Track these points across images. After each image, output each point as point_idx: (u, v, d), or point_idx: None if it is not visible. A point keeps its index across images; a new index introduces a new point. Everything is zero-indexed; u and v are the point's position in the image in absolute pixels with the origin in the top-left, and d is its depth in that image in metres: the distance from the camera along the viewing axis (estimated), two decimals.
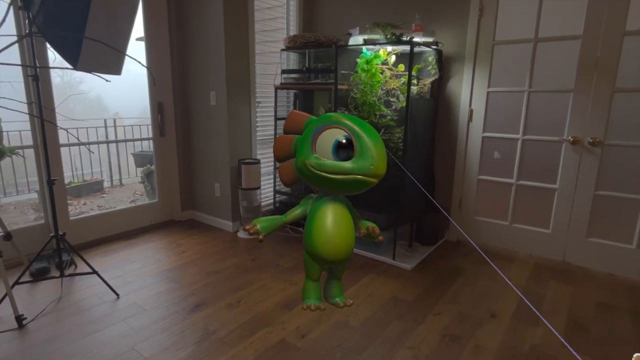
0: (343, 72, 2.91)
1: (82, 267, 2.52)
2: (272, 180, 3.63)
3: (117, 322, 1.96)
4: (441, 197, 3.18)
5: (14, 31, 2.41)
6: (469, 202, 3.09)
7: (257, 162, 3.20)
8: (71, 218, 2.90)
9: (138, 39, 3.33)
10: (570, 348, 1.70)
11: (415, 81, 2.83)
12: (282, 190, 3.58)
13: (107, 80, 1.92)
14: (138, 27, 3.16)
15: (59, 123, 2.84)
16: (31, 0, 1.73)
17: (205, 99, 3.26)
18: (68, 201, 2.95)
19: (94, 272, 2.27)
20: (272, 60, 3.47)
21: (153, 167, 3.47)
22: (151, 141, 3.38)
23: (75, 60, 1.76)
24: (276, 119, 3.44)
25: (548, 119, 2.70)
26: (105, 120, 5.32)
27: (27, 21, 1.80)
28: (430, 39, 2.79)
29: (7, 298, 1.96)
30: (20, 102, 2.08)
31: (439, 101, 3.06)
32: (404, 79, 2.74)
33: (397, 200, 2.71)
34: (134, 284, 2.36)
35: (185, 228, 3.39)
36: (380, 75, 2.78)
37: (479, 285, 2.45)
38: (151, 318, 2.01)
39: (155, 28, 3.17)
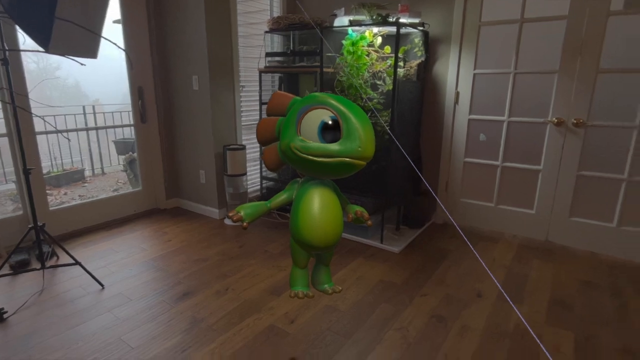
0: (328, 54, 2.86)
1: (65, 259, 2.46)
2: (258, 166, 3.59)
3: (102, 313, 1.93)
4: (428, 180, 3.19)
5: None
6: (455, 184, 3.11)
7: (243, 147, 3.15)
8: (51, 208, 2.82)
9: (115, 22, 3.19)
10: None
11: (401, 63, 2.80)
12: (269, 176, 3.54)
13: (82, 64, 1.83)
14: (115, 9, 3.04)
15: (34, 110, 2.73)
16: None
17: (187, 84, 3.17)
18: (48, 191, 2.86)
19: (77, 262, 2.22)
20: (255, 43, 3.38)
21: (135, 154, 3.39)
22: (132, 128, 3.28)
23: (47, 42, 1.66)
24: (261, 103, 3.37)
25: (533, 101, 2.71)
26: (84, 107, 5.14)
27: None
28: (416, 20, 2.75)
29: None
30: None
31: (425, 84, 3.04)
32: (390, 62, 2.71)
33: (384, 183, 2.70)
34: (118, 274, 2.32)
35: (171, 216, 3.33)
36: (367, 58, 2.73)
37: (465, 266, 2.48)
38: (137, 308, 1.98)
39: (132, 9, 3.04)
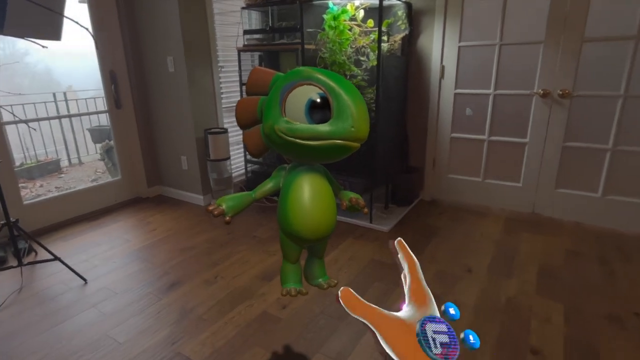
0: (309, 30, 2.74)
1: (43, 254, 2.36)
2: (242, 150, 3.49)
3: (86, 309, 1.86)
4: (415, 156, 3.16)
5: None
6: (443, 160, 3.08)
7: (225, 131, 3.04)
8: (25, 202, 2.69)
9: (81, 1, 2.98)
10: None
11: (385, 38, 2.71)
12: (254, 159, 3.45)
13: (43, 47, 1.69)
14: None
15: (2, 99, 2.56)
16: None
17: (162, 66, 3.02)
18: (22, 184, 2.72)
19: (56, 258, 2.12)
20: (233, 20, 3.22)
21: (112, 142, 3.24)
22: (107, 114, 3.12)
23: (1, 23, 1.52)
24: (241, 84, 3.24)
25: (519, 73, 2.68)
26: (54, 94, 4.88)
27: None
28: None
29: None
30: None
31: (410, 58, 2.96)
32: (373, 36, 2.61)
33: (371, 162, 2.65)
34: (102, 268, 2.24)
35: (154, 205, 3.23)
36: (349, 32, 2.63)
37: (454, 242, 2.49)
38: (124, 301, 1.92)
39: None
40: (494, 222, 2.75)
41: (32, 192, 3.94)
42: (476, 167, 2.98)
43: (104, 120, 4.72)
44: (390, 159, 2.89)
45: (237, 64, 3.18)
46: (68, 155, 4.98)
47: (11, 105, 3.00)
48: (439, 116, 3.00)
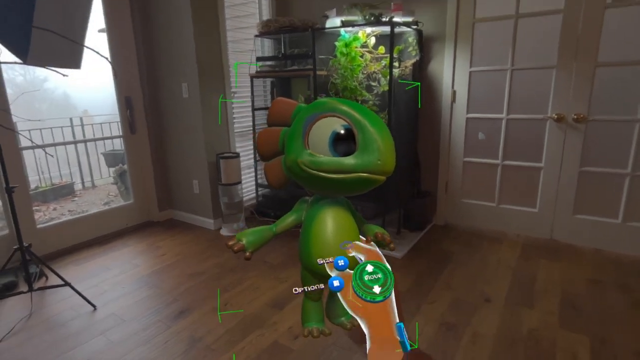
0: (321, 56, 2.78)
1: (54, 279, 2.35)
2: (253, 174, 3.49)
3: (95, 337, 1.83)
4: (427, 181, 3.13)
5: None
6: (455, 185, 3.04)
7: (237, 155, 3.06)
8: (39, 226, 2.70)
9: (100, 31, 3.09)
10: None
11: (396, 63, 2.73)
12: (265, 183, 3.45)
13: (64, 75, 1.74)
14: (99, 18, 2.94)
15: (20, 124, 2.62)
16: None
17: (176, 92, 3.08)
18: (36, 207, 2.75)
19: (66, 283, 2.11)
20: (246, 47, 3.30)
21: (125, 166, 3.28)
22: (121, 139, 3.17)
23: (25, 53, 1.57)
24: (254, 109, 3.28)
25: (532, 97, 2.66)
26: (71, 119, 5.01)
27: None
28: (410, 19, 2.69)
29: None
30: None
31: (421, 83, 2.98)
32: (384, 62, 2.64)
33: (383, 187, 2.62)
34: (111, 293, 2.21)
35: (164, 229, 3.23)
36: (360, 59, 2.67)
37: (470, 268, 2.41)
38: (132, 329, 1.88)
39: (116, 18, 2.94)
40: (510, 248, 2.68)
41: (45, 215, 3.97)
42: (490, 191, 2.93)
43: (118, 144, 4.81)
44: (402, 183, 2.87)
45: (249, 89, 3.23)
46: (82, 179, 5.05)
47: (29, 130, 3.07)
48: (450, 140, 2.98)
